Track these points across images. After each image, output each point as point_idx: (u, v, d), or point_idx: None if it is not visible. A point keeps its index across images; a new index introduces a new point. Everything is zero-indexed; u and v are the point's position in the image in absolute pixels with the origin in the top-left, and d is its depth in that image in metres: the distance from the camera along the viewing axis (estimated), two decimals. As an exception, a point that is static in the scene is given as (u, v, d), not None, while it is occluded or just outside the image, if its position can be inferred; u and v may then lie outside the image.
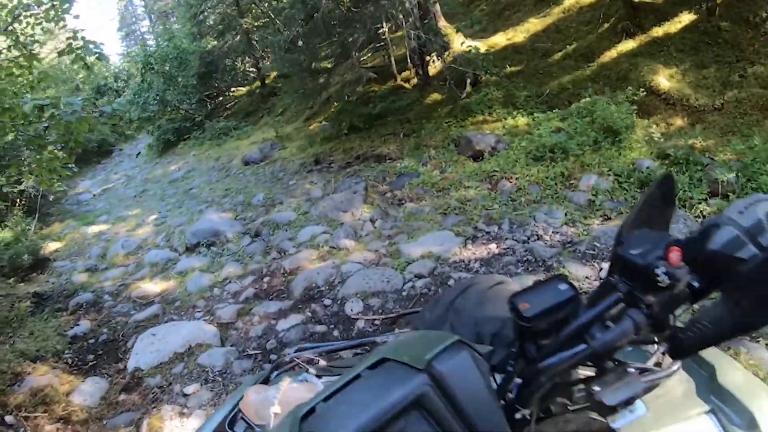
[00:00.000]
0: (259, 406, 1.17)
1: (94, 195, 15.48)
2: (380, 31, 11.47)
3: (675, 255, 0.76)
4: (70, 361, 5.47)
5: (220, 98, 20.36)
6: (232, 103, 19.89)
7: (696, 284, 0.77)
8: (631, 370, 0.83)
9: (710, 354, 1.07)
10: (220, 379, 4.47)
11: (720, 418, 0.97)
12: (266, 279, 6.34)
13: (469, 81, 10.40)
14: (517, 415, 0.83)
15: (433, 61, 11.47)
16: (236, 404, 1.30)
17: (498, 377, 0.91)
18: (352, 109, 10.60)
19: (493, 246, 5.80)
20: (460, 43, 10.37)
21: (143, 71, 18.44)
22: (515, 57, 11.02)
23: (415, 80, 11.63)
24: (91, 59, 5.85)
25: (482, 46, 10.78)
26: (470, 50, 9.84)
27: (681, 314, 0.83)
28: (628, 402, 0.80)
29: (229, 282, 6.54)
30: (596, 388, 0.81)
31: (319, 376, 1.29)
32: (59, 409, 4.59)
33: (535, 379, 0.81)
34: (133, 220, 10.80)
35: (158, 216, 10.46)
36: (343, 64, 11.83)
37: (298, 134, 12.61)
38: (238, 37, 17.75)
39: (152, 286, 7.04)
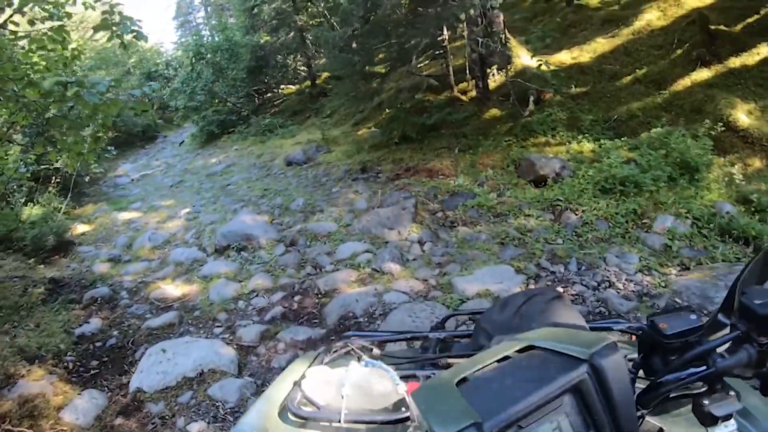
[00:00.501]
0: (326, 386, 1.21)
1: (132, 180, 15.21)
2: (440, 38, 10.78)
3: None
4: (71, 365, 4.88)
5: (269, 94, 19.87)
6: (280, 100, 19.39)
7: None
8: (732, 392, 0.94)
9: None
10: (230, 419, 3.79)
11: None
12: (297, 297, 5.69)
13: (532, 99, 9.63)
14: (637, 414, 0.92)
15: (493, 74, 10.73)
16: (295, 384, 1.32)
17: None
18: (404, 117, 9.90)
19: (560, 290, 5.02)
20: (528, 57, 9.68)
21: (193, 60, 18.17)
22: (580, 77, 10.20)
23: (473, 93, 10.89)
24: (128, 37, 5.21)
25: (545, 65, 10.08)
26: (540, 65, 9.06)
27: None
28: (727, 417, 0.91)
29: (256, 295, 5.88)
30: (706, 402, 0.91)
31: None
32: (47, 426, 3.98)
33: (657, 386, 0.96)
34: (166, 212, 10.33)
35: (191, 210, 9.96)
36: (398, 69, 11.21)
37: (346, 138, 11.98)
38: (292, 33, 17.27)
39: (173, 289, 6.45)
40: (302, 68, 19.37)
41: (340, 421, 1.13)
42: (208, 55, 17.73)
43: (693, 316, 0.98)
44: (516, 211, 6.91)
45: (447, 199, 7.51)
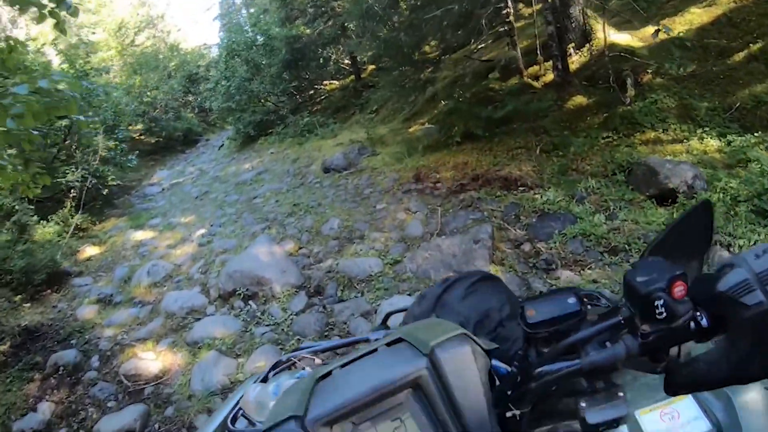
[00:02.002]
0: (258, 402, 1.21)
1: (163, 189, 13.89)
2: (503, 12, 8.65)
3: (678, 289, 0.72)
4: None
5: (311, 92, 18.16)
6: (322, 97, 17.62)
7: (704, 323, 0.72)
8: (621, 393, 0.80)
9: None
10: None
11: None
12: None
13: (630, 82, 7.45)
14: (508, 414, 0.82)
15: (569, 54, 8.57)
16: (237, 402, 1.34)
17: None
18: (467, 109, 7.75)
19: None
20: (613, 31, 7.58)
21: (227, 58, 16.71)
22: (681, 55, 7.94)
23: (548, 77, 8.74)
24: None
25: (633, 39, 8.21)
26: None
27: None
28: (611, 424, 0.78)
29: (255, 385, 3.95)
30: (582, 404, 0.79)
31: None
32: None
33: (526, 382, 0.81)
34: (181, 232, 8.92)
35: (207, 231, 8.42)
36: (452, 54, 9.19)
37: (394, 138, 9.91)
38: (330, 22, 15.38)
39: (151, 360, 4.83)
40: (345, 62, 17.58)
41: None
42: (242, 52, 16.20)
43: (571, 300, 0.79)
44: (639, 244, 4.76)
45: (534, 222, 5.41)
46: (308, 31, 16.04)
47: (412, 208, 6.48)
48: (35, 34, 15.03)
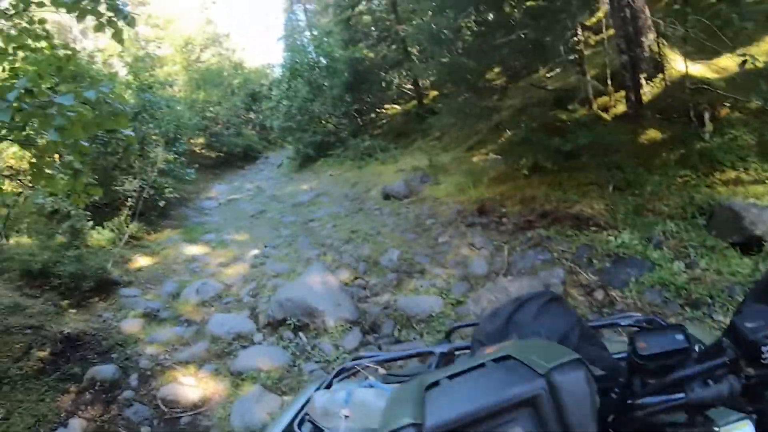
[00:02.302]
0: (327, 409, 1.21)
1: (219, 204, 13.96)
2: (574, 38, 8.39)
3: None
4: None
5: (372, 115, 18.08)
6: (384, 121, 17.55)
7: None
8: (716, 429, 0.85)
9: None
10: None
11: None
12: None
13: (707, 116, 7.06)
14: None
15: (641, 85, 8.22)
16: (302, 407, 1.39)
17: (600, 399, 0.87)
18: (536, 141, 7.47)
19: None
20: (683, 62, 7.18)
21: (289, 78, 16.88)
22: (759, 87, 7.48)
23: (619, 108, 8.38)
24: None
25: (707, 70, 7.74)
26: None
27: None
28: None
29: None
30: None
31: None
32: None
33: (630, 410, 0.88)
34: (234, 250, 8.82)
35: (260, 252, 8.29)
36: (518, 81, 8.95)
37: (457, 166, 9.67)
38: (394, 46, 15.37)
39: (192, 386, 4.63)
40: (408, 88, 17.50)
41: None
42: (305, 73, 16.28)
43: (680, 336, 0.88)
44: (723, 297, 4.34)
45: (608, 267, 5.03)
46: (371, 54, 16.07)
47: (477, 244, 6.21)
48: (104, 46, 15.41)
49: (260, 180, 16.59)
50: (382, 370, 1.48)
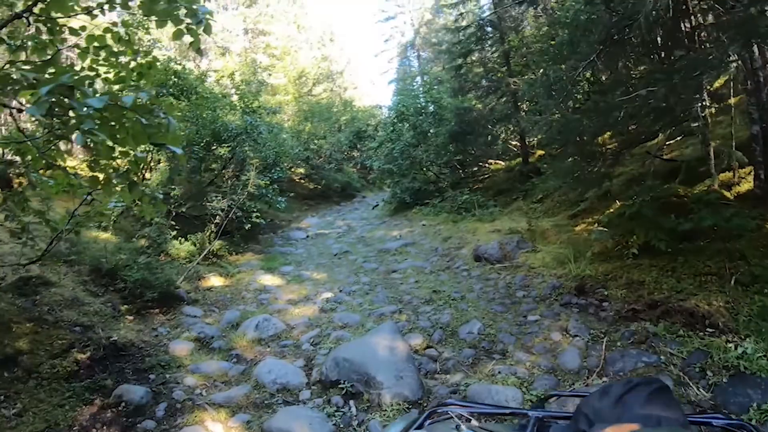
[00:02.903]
0: None
1: (308, 236, 13.94)
2: (699, 104, 7.56)
3: None
4: None
5: (474, 168, 17.57)
6: (486, 176, 16.95)
7: None
8: None
9: None
10: None
11: None
12: None
13: None
14: None
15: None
16: None
17: None
18: (651, 216, 6.69)
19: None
20: None
21: (395, 121, 16.84)
22: None
23: (744, 186, 7.47)
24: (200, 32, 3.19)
25: None
26: None
27: None
28: None
29: None
30: None
31: None
32: None
33: None
34: (308, 288, 8.52)
35: (334, 297, 7.87)
36: (634, 146, 8.22)
37: (558, 234, 8.94)
38: (504, 99, 14.78)
39: None
40: (514, 144, 16.92)
41: None
42: (411, 117, 16.11)
43: None
44: None
45: (725, 384, 4.11)
46: (479, 105, 15.68)
47: (571, 329, 5.44)
48: (220, 67, 15.88)
49: (353, 219, 16.48)
50: (475, 422, 1.42)
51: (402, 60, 39.01)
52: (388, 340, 5.23)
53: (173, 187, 10.44)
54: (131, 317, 6.47)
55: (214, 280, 8.81)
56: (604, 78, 7.78)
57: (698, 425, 1.48)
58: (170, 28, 3.19)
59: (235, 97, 13.97)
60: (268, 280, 9.13)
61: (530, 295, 6.81)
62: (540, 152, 15.15)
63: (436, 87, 17.31)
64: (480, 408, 1.63)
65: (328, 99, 27.87)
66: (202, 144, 11.42)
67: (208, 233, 9.97)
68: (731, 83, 8.12)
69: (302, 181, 21.12)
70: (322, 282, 8.96)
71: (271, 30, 30.29)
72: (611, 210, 8.48)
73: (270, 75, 26.59)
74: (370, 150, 19.37)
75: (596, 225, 8.38)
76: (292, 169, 20.43)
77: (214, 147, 11.88)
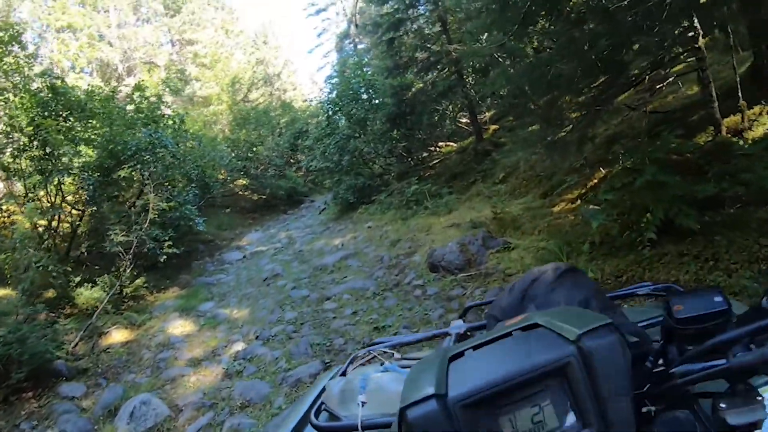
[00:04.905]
0: (343, 396, 1.17)
1: (244, 257, 12.04)
2: (688, 36, 5.67)
3: None
4: None
5: (423, 154, 15.70)
6: (436, 161, 15.03)
7: None
8: (760, 397, 0.76)
9: None
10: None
11: None
12: None
13: None
14: (644, 409, 0.82)
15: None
16: (318, 396, 1.35)
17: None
18: (674, 183, 4.59)
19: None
20: None
21: (329, 113, 14.86)
22: None
23: (759, 131, 5.67)
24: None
25: None
26: None
27: None
28: (750, 427, 0.74)
29: None
30: (723, 405, 0.75)
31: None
32: None
33: (668, 380, 0.82)
34: (220, 335, 6.84)
35: (246, 350, 5.98)
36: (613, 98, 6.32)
37: (533, 221, 6.91)
38: (446, 70, 12.76)
39: None
40: (464, 121, 15.03)
41: (357, 429, 1.01)
42: (344, 106, 14.17)
43: (718, 298, 0.80)
44: None
45: None
46: (420, 84, 13.62)
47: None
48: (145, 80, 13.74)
49: (296, 228, 14.45)
50: (397, 355, 1.41)
51: (339, 53, 36.94)
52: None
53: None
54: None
55: (117, 335, 7.31)
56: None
57: (622, 298, 1.38)
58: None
59: (134, 108, 11.71)
60: (179, 327, 7.47)
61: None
62: (494, 127, 13.25)
63: (366, 69, 15.31)
64: (401, 339, 1.55)
65: (266, 103, 26.05)
66: (95, 168, 9.57)
67: (118, 274, 8.54)
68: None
69: (246, 193, 19.56)
70: (240, 323, 7.10)
71: (199, 38, 28.78)
72: (595, 181, 6.52)
73: (202, 86, 25.41)
74: (305, 149, 17.89)
75: (582, 203, 6.39)
76: (235, 182, 19.21)
77: (120, 170, 9.92)
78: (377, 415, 1.03)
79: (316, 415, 1.13)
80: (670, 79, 7.13)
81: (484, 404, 0.72)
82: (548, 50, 5.92)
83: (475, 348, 0.82)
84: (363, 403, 1.08)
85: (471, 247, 6.46)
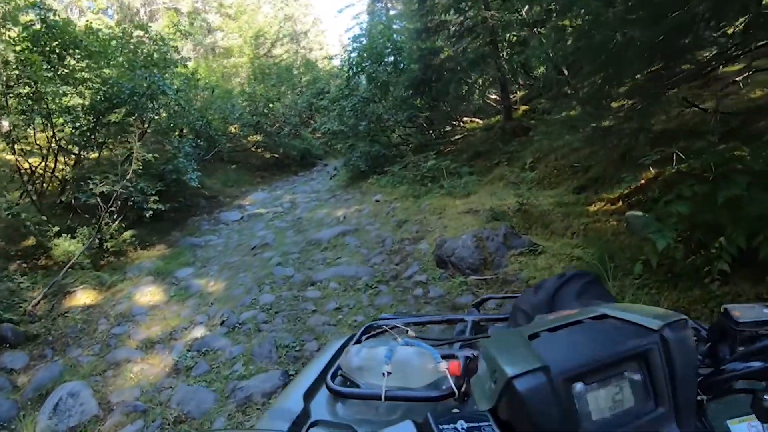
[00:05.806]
0: (366, 364, 1.15)
1: (241, 218, 11.33)
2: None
3: None
4: None
5: (447, 128, 14.46)
6: (459, 136, 13.70)
7: None
8: None
9: None
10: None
11: None
12: None
13: None
14: (698, 397, 0.88)
15: None
16: (332, 360, 1.36)
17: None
18: (761, 199, 3.48)
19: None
20: None
21: (350, 74, 13.59)
22: None
23: None
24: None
25: None
26: None
27: None
28: None
29: None
30: (766, 396, 0.80)
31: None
32: None
33: (718, 374, 0.88)
34: (187, 310, 6.12)
35: (205, 338, 5.11)
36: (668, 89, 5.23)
37: (566, 219, 5.80)
38: (480, 38, 11.35)
39: None
40: (493, 97, 13.94)
41: (381, 398, 1.04)
42: (367, 67, 13.05)
43: (766, 311, 0.92)
44: None
45: None
46: (450, 52, 12.40)
47: None
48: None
49: (303, 192, 13.56)
50: (412, 333, 1.34)
51: (370, 16, 35.57)
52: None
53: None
54: None
55: (82, 297, 6.66)
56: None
57: None
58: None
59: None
60: (147, 294, 6.77)
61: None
62: (524, 107, 12.12)
63: (395, 28, 14.20)
64: (416, 318, 1.54)
65: (289, 60, 24.92)
66: (87, 111, 8.83)
67: (98, 226, 7.95)
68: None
69: (259, 150, 18.66)
70: (212, 299, 6.27)
71: (225, -13, 27.58)
72: (644, 180, 5.48)
73: (224, 36, 24.63)
74: (321, 109, 16.76)
75: (626, 205, 5.37)
76: (248, 138, 18.37)
77: (112, 114, 9.13)
78: (396, 388, 1.04)
79: (333, 379, 1.14)
80: (738, 78, 6.01)
81: (578, 381, 0.75)
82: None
83: (551, 330, 0.85)
84: (388, 373, 1.06)
85: (489, 243, 5.40)
